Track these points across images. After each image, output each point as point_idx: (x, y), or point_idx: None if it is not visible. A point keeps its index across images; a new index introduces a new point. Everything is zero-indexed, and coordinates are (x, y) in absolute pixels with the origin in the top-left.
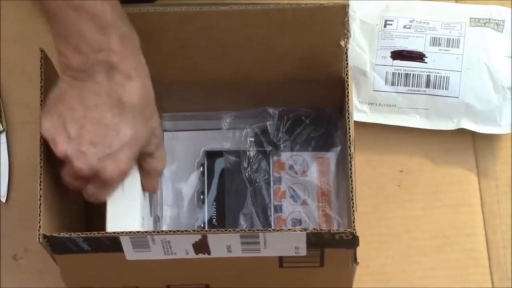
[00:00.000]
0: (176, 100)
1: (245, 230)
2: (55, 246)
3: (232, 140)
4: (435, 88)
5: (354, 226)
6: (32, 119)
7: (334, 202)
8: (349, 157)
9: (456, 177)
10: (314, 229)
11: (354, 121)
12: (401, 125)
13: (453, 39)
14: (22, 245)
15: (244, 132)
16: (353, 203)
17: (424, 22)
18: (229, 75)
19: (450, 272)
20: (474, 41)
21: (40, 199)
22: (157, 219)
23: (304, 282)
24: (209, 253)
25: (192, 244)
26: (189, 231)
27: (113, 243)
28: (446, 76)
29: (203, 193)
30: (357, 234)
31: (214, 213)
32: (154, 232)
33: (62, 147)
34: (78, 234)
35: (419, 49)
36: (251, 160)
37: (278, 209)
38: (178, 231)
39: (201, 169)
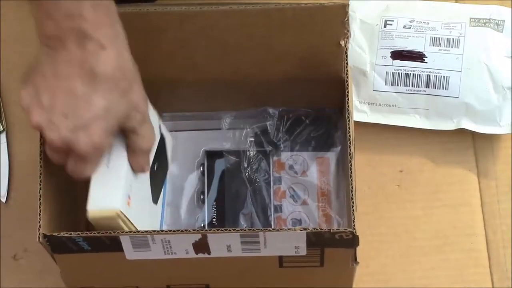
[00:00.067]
0: (176, 100)
1: (245, 230)
2: (55, 245)
3: (232, 140)
4: (435, 88)
5: (354, 225)
6: None
7: (334, 202)
8: (349, 157)
9: (456, 177)
10: (314, 228)
11: (354, 121)
12: (401, 125)
13: (453, 39)
14: (22, 245)
15: (244, 132)
16: (353, 202)
17: (424, 22)
18: (229, 75)
19: (450, 272)
20: (474, 41)
21: (40, 199)
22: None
23: (304, 282)
24: (209, 253)
25: (192, 244)
26: (189, 231)
27: (113, 242)
28: (446, 76)
29: (203, 193)
30: (357, 234)
31: (214, 213)
32: (154, 231)
33: (35, 117)
34: (78, 234)
35: (419, 49)
36: (251, 160)
37: (278, 209)
38: (178, 230)
39: (201, 169)
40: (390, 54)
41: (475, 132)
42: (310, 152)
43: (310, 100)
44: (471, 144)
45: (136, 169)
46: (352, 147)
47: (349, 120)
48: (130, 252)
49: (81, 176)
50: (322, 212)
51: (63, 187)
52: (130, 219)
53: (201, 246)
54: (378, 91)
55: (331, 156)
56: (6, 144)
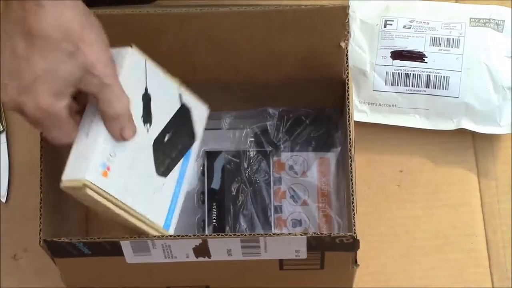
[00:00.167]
0: None
1: (245, 235)
2: (55, 250)
3: (232, 140)
4: (435, 88)
5: (354, 229)
6: None
7: (334, 203)
8: (349, 159)
9: (456, 177)
10: (315, 233)
11: (354, 121)
12: (401, 125)
13: (453, 39)
14: (22, 245)
15: (244, 132)
16: (353, 205)
17: (424, 22)
18: (229, 76)
19: (450, 272)
20: (474, 41)
21: (40, 202)
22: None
23: (304, 284)
24: (209, 257)
25: (193, 248)
26: (190, 236)
27: (114, 247)
28: (446, 76)
29: (203, 193)
30: (358, 237)
31: (214, 213)
32: (154, 236)
33: None
34: (79, 239)
35: (419, 49)
36: (251, 160)
37: (278, 209)
38: (178, 236)
39: (201, 169)
40: (390, 54)
41: (475, 132)
42: (310, 152)
43: (310, 100)
44: (471, 144)
45: (114, 136)
46: (352, 149)
47: (349, 122)
48: (130, 256)
49: (56, 142)
50: (322, 213)
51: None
52: (107, 191)
53: (202, 250)
54: (378, 91)
55: (331, 157)
56: (6, 144)
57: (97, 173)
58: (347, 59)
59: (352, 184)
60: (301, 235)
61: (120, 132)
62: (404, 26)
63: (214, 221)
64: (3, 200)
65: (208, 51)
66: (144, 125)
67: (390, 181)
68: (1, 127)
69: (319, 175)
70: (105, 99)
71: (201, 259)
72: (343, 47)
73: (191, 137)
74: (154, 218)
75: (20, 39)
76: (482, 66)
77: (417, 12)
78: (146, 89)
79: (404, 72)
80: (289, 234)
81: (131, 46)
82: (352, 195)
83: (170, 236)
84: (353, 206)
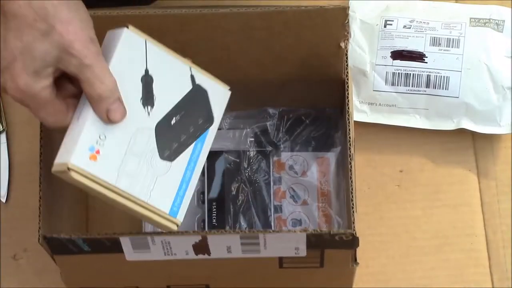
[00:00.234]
0: None
1: (245, 231)
2: (55, 247)
3: (232, 140)
4: (435, 88)
5: (354, 227)
6: (32, 119)
7: (334, 203)
8: (349, 158)
9: (456, 177)
10: (314, 230)
11: (354, 121)
12: (401, 125)
13: (453, 39)
14: (22, 245)
15: (244, 132)
16: (353, 204)
17: (424, 22)
18: (229, 76)
19: (450, 272)
20: (474, 41)
21: (40, 200)
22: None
23: (304, 283)
24: (209, 254)
25: (192, 245)
26: (189, 232)
27: (113, 244)
28: (446, 76)
29: (203, 193)
30: (357, 235)
31: (214, 213)
32: (153, 232)
33: None
34: (78, 235)
35: (419, 49)
36: (251, 160)
37: (278, 209)
38: (178, 232)
39: (201, 169)
40: (390, 54)
41: (475, 132)
42: (310, 152)
43: (310, 100)
44: (471, 144)
45: (101, 118)
46: (352, 148)
47: (349, 122)
48: (130, 253)
49: (47, 124)
50: (322, 213)
51: (63, 187)
52: (95, 174)
53: (201, 247)
54: (378, 91)
55: (331, 156)
56: (6, 144)
57: (83, 156)
58: (347, 59)
59: (352, 182)
60: (300, 232)
61: (106, 114)
62: (404, 26)
63: (214, 221)
64: (3, 200)
65: (208, 52)
66: (144, 107)
67: (390, 181)
68: (1, 127)
69: (319, 175)
70: (86, 80)
71: (200, 256)
72: (343, 47)
73: (208, 120)
74: (156, 203)
75: None
76: (482, 66)
77: (417, 12)
78: (146, 71)
79: (404, 72)
80: (289, 231)
81: (127, 27)
82: (352, 193)
83: (170, 232)
84: (353, 204)
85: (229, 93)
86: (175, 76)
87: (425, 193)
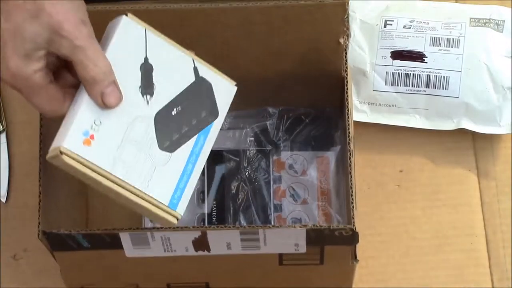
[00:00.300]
0: None
1: (244, 227)
2: (54, 243)
3: (232, 140)
4: (435, 88)
5: (353, 222)
6: (32, 119)
7: (334, 201)
8: (348, 154)
9: (456, 177)
10: (314, 225)
11: (354, 121)
12: (401, 125)
13: (453, 39)
14: (22, 245)
15: (244, 132)
16: (352, 200)
17: (424, 22)
18: (229, 73)
19: (450, 272)
20: (474, 41)
21: (39, 196)
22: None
23: (304, 280)
24: (208, 250)
25: (192, 241)
26: (189, 228)
27: (113, 240)
28: (446, 76)
29: (203, 192)
30: (357, 230)
31: (214, 212)
32: (153, 228)
33: None
34: (78, 231)
35: (419, 49)
36: (251, 160)
37: (278, 208)
38: (177, 227)
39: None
40: (390, 54)
41: (475, 132)
42: (310, 151)
43: (310, 100)
44: (471, 144)
45: (96, 102)
46: (351, 144)
47: (348, 117)
48: (129, 250)
49: (42, 111)
50: (322, 211)
51: (63, 187)
52: (89, 160)
53: (201, 243)
54: (378, 91)
55: (331, 156)
56: (6, 144)
57: (77, 141)
58: (346, 55)
59: (352, 178)
60: (300, 227)
61: (101, 97)
62: (404, 26)
63: (214, 219)
64: (3, 200)
65: (208, 48)
66: (143, 96)
67: (390, 181)
68: (1, 127)
69: (319, 174)
70: (79, 63)
71: (200, 253)
72: (342, 43)
73: (212, 113)
74: (155, 194)
75: None
76: (482, 66)
77: (417, 12)
78: (146, 59)
79: (404, 72)
80: (288, 226)
81: (126, 14)
82: (352, 189)
83: (169, 227)
84: (352, 200)
85: (235, 88)
86: (176, 66)
87: (425, 193)
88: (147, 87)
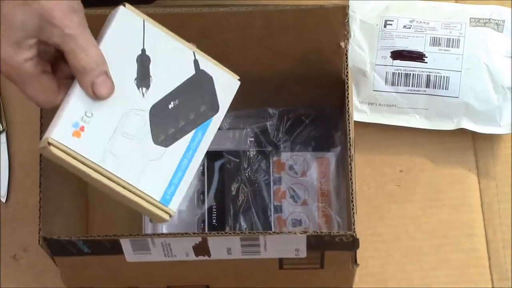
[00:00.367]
0: None
1: (245, 233)
2: (55, 248)
3: (232, 140)
4: (435, 88)
5: (354, 228)
6: (32, 119)
7: (334, 203)
8: (349, 159)
9: (456, 177)
10: (314, 232)
11: (354, 121)
12: (401, 125)
13: (453, 39)
14: (22, 245)
15: (244, 132)
16: (353, 205)
17: (424, 22)
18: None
19: (450, 272)
20: (474, 41)
21: (40, 201)
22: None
23: (304, 284)
24: (209, 255)
25: (192, 247)
26: (189, 234)
27: (113, 245)
28: (446, 76)
29: (203, 193)
30: (357, 236)
31: (214, 213)
32: (154, 234)
33: None
34: (78, 237)
35: (419, 49)
36: (251, 160)
37: (278, 209)
38: (178, 234)
39: (201, 169)
40: (390, 54)
41: (475, 132)
42: (310, 152)
43: (310, 100)
44: (471, 144)
45: (87, 92)
46: (352, 149)
47: (349, 122)
48: (130, 255)
49: (36, 102)
50: (322, 213)
51: (63, 188)
52: (77, 151)
53: (201, 249)
54: (378, 91)
55: (331, 157)
56: (6, 144)
57: (66, 132)
58: (347, 59)
59: (352, 183)
60: (300, 233)
61: (91, 88)
62: (404, 26)
63: (214, 221)
64: (3, 200)
65: (208, 51)
66: (139, 88)
67: (390, 181)
68: (1, 127)
69: (319, 175)
70: (69, 51)
71: (201, 258)
72: (343, 47)
73: (212, 108)
74: (147, 189)
75: None
76: (482, 66)
77: (417, 12)
78: (143, 50)
79: (404, 72)
80: (289, 232)
81: (124, 5)
82: (352, 194)
83: (170, 234)
84: (353, 205)
85: (238, 83)
86: (175, 59)
87: (425, 193)
88: (143, 79)
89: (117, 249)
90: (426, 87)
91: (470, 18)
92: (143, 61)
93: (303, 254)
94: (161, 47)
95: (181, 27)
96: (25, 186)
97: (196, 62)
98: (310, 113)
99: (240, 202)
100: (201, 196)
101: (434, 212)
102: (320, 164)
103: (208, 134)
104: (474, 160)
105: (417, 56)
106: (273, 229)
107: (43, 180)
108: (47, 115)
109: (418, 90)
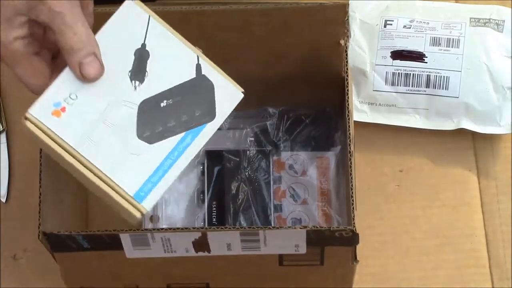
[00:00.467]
0: None
1: (245, 228)
2: (54, 244)
3: (232, 140)
4: (435, 88)
5: (354, 223)
6: None
7: (334, 202)
8: (349, 155)
9: (456, 177)
10: (314, 226)
11: (354, 121)
12: (401, 125)
13: (453, 39)
14: (22, 245)
15: (244, 132)
16: (352, 200)
17: (424, 22)
18: (229, 73)
19: (450, 272)
20: (474, 41)
21: (40, 197)
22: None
23: (304, 281)
24: (209, 251)
25: (192, 242)
26: (189, 229)
27: (113, 241)
28: (446, 76)
29: (203, 192)
30: (357, 232)
31: (214, 212)
32: (153, 229)
33: None
34: (78, 232)
35: (419, 49)
36: (251, 160)
37: (278, 208)
38: (178, 228)
39: (201, 169)
40: (390, 54)
41: (475, 132)
42: (310, 151)
43: (310, 100)
44: (471, 144)
45: (74, 72)
46: (352, 145)
47: (348, 118)
48: (130, 251)
49: (31, 89)
50: (322, 212)
51: (63, 187)
52: (53, 130)
53: (201, 244)
54: (378, 91)
55: (331, 156)
56: (6, 144)
57: (45, 109)
58: (347, 56)
59: (352, 179)
60: (300, 228)
61: (79, 68)
62: (404, 26)
63: (214, 220)
64: (3, 200)
65: (208, 49)
66: (132, 81)
67: (390, 181)
68: (1, 127)
69: (319, 174)
70: (58, 30)
71: (200, 253)
72: (343, 45)
73: (207, 114)
74: (121, 181)
75: None
76: (482, 66)
77: (417, 12)
78: (143, 45)
79: (404, 72)
80: (289, 227)
81: None
82: (352, 190)
83: (170, 229)
84: (353, 201)
85: (241, 95)
86: (177, 59)
87: (425, 193)
88: (138, 73)
89: (116, 245)
90: (426, 87)
91: (470, 18)
92: (142, 55)
93: (303, 250)
94: (164, 45)
95: (180, 25)
96: (25, 186)
97: (198, 67)
98: (310, 112)
99: (240, 201)
100: (201, 195)
101: (434, 212)
102: (320, 164)
103: (198, 140)
104: (474, 160)
105: (417, 56)
106: None
107: (43, 179)
108: None
109: (418, 90)
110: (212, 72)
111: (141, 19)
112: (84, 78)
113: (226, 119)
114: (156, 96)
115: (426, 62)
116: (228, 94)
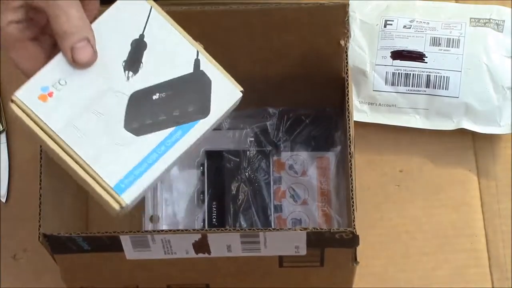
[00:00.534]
0: None
1: (245, 230)
2: (55, 245)
3: (232, 140)
4: (435, 88)
5: (354, 225)
6: None
7: (334, 202)
8: (349, 156)
9: (456, 177)
10: (314, 228)
11: (354, 121)
12: (401, 125)
13: (453, 39)
14: (22, 245)
15: (244, 132)
16: (353, 202)
17: (424, 22)
18: (229, 73)
19: (450, 272)
20: (474, 41)
21: (40, 198)
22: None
23: (304, 282)
24: (209, 253)
25: (192, 244)
26: (189, 231)
27: (113, 242)
28: (446, 76)
29: (203, 193)
30: (357, 233)
31: (214, 213)
32: (154, 231)
33: None
34: (78, 234)
35: (419, 49)
36: (251, 160)
37: (278, 209)
38: (178, 230)
39: (201, 169)
40: (390, 54)
41: (475, 132)
42: (310, 152)
43: (310, 100)
44: (471, 144)
45: (66, 57)
46: (352, 146)
47: (349, 119)
48: (130, 252)
49: (26, 74)
50: (322, 212)
51: (63, 187)
52: (37, 114)
53: (201, 246)
54: (378, 91)
55: (331, 156)
56: (6, 144)
57: (32, 93)
58: (347, 57)
59: (352, 180)
60: (300, 230)
61: (71, 52)
62: (404, 26)
63: (214, 220)
64: (3, 200)
65: (208, 50)
66: (125, 71)
67: (390, 181)
68: (1, 127)
69: (319, 174)
70: (52, 14)
71: (201, 255)
72: (343, 45)
73: (201, 110)
74: (102, 171)
75: None
76: (482, 66)
77: (417, 12)
78: (141, 36)
79: (404, 72)
80: (289, 229)
81: None
82: (352, 192)
83: (170, 230)
84: (353, 202)
85: (239, 95)
86: (175, 53)
87: (425, 193)
88: (132, 64)
89: (117, 246)
90: (426, 87)
91: (470, 18)
92: (138, 46)
93: (303, 251)
94: (163, 37)
95: (180, 24)
96: (25, 186)
97: (197, 62)
98: (310, 112)
99: (240, 201)
100: (201, 195)
101: (434, 212)
102: (320, 164)
103: (189, 136)
104: (474, 160)
105: (417, 56)
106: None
107: (43, 180)
108: None
109: (418, 90)
110: (211, 68)
111: (142, 9)
112: (75, 63)
113: (226, 119)
114: (149, 88)
115: (426, 62)
116: (225, 92)
